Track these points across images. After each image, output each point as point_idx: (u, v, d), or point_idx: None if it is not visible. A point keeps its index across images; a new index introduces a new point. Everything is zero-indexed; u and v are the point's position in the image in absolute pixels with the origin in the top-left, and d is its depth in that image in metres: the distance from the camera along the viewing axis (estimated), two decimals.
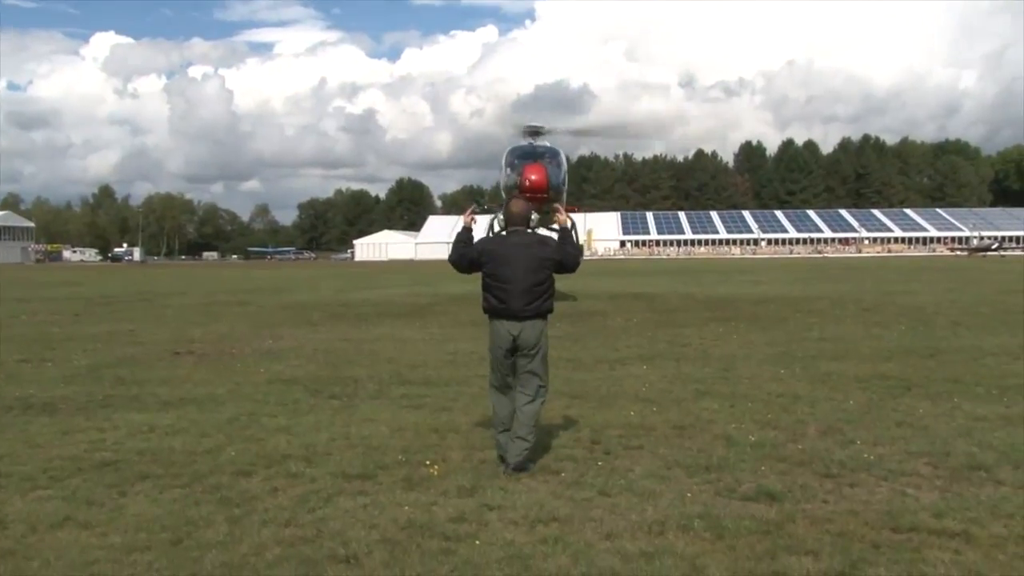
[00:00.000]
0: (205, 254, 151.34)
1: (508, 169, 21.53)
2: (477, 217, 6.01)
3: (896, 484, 5.06)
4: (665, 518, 4.49)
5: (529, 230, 5.78)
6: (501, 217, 5.27)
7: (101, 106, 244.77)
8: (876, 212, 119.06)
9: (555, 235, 5.89)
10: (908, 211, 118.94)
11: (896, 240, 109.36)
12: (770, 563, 3.89)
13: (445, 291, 25.77)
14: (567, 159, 23.00)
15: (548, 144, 22.17)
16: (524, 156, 21.24)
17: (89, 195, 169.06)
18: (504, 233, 5.77)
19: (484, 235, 5.83)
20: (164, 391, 8.70)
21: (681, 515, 4.52)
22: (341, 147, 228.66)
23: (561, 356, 11.00)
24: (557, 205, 6.52)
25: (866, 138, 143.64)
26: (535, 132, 22.35)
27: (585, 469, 5.47)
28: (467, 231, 5.87)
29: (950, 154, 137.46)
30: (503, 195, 22.14)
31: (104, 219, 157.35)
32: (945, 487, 4.99)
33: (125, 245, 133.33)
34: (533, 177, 19.25)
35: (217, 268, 78.07)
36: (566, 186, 22.45)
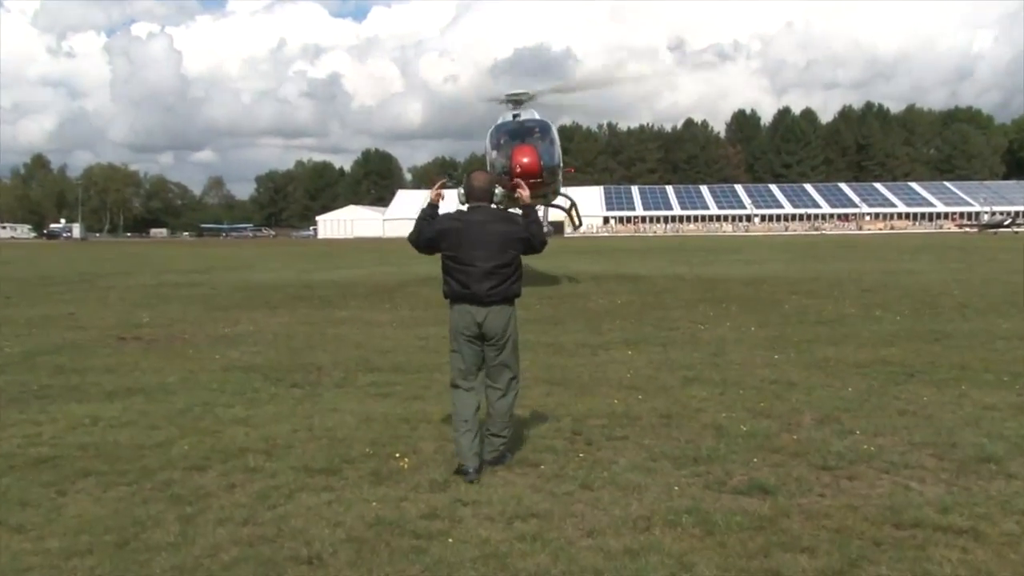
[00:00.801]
0: (153, 231, 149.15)
1: (495, 151, 20.63)
2: (447, 193, 5.90)
3: (898, 477, 5.12)
4: (651, 513, 4.53)
5: (494, 206, 5.65)
6: (462, 192, 5.22)
7: (32, 66, 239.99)
8: (878, 186, 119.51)
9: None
10: (913, 185, 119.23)
11: (900, 216, 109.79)
12: (763, 561, 3.94)
13: (416, 271, 25.69)
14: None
15: (537, 117, 21.34)
16: (512, 135, 20.33)
17: (20, 165, 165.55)
18: (465, 209, 5.61)
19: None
20: (108, 380, 8.61)
21: (668, 510, 4.56)
22: (303, 115, 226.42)
23: (540, 340, 11.03)
24: (518, 180, 6.34)
25: (868, 106, 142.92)
26: (517, 101, 21.48)
27: (566, 461, 5.50)
28: (433, 208, 5.74)
29: (960, 122, 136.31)
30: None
31: (38, 192, 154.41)
32: (951, 480, 5.05)
33: (63, 221, 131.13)
34: (524, 160, 18.53)
35: (166, 246, 77.18)
36: (561, 165, 21.85)
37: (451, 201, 5.69)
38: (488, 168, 20.65)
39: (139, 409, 7.23)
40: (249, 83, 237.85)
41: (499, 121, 21.39)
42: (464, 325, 5.41)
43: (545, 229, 7.44)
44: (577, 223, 26.61)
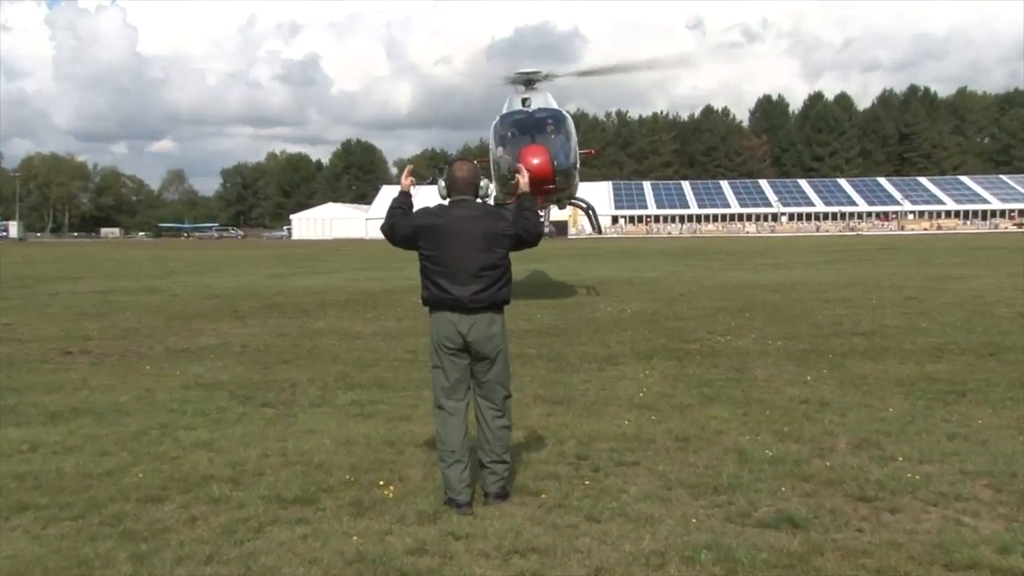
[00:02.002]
0: (104, 231, 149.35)
1: (500, 148, 19.55)
2: (429, 189, 5.86)
3: (949, 511, 5.09)
4: (665, 548, 4.51)
5: (479, 200, 5.57)
6: (442, 184, 5.18)
7: None
8: (923, 180, 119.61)
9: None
10: (964, 179, 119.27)
11: (948, 214, 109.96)
12: None
13: (402, 275, 25.70)
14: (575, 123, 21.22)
15: (550, 107, 20.30)
16: (521, 129, 19.24)
17: None
18: (446, 203, 5.52)
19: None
20: (51, 400, 8.58)
21: (685, 545, 4.55)
22: (276, 101, 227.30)
23: (541, 354, 11.03)
24: (519, 165, 6.26)
25: (913, 90, 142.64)
26: (529, 81, 20.43)
27: (569, 490, 5.49)
28: (406, 196, 5.69)
29: (1020, 107, 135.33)
30: (492, 178, 20.14)
31: None
32: (1011, 516, 5.01)
33: None
34: (535, 162, 17.33)
35: (119, 248, 77.09)
36: (578, 164, 20.75)
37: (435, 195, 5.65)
38: (492, 168, 20.16)
39: (86, 433, 7.19)
40: (215, 64, 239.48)
41: (505, 109, 20.64)
42: (446, 336, 5.33)
43: (547, 230, 7.37)
44: (596, 229, 25.80)
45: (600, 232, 28.27)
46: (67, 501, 5.43)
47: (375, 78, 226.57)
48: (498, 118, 20.43)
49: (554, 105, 20.62)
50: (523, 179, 5.79)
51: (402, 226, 5.52)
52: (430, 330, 5.45)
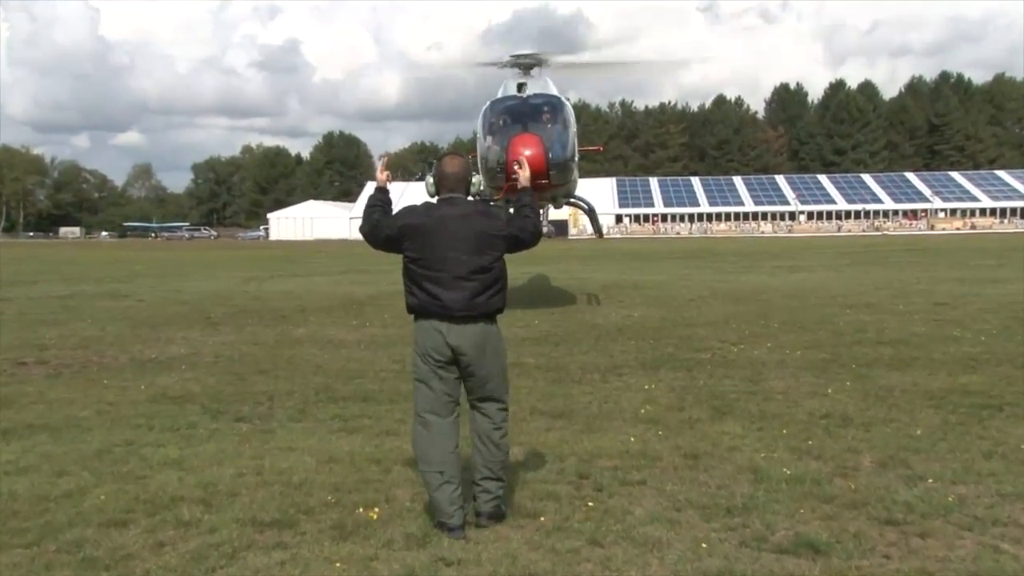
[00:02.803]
0: (63, 230, 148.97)
1: (488, 137, 18.61)
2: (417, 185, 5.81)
3: (985, 536, 5.08)
4: (674, 575, 4.51)
5: (470, 197, 5.48)
6: (430, 180, 5.07)
7: None
8: (956, 175, 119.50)
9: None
10: (1001, 173, 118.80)
11: (983, 212, 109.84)
12: None
13: (389, 279, 25.69)
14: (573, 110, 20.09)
15: (548, 92, 19.44)
16: (513, 116, 18.39)
17: None
18: (434, 201, 5.43)
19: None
20: (3, 416, 8.55)
21: (695, 572, 4.55)
22: (253, 89, 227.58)
23: (539, 364, 11.03)
24: (523, 159, 6.18)
25: (944, 76, 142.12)
26: (527, 66, 19.84)
27: (570, 511, 5.49)
28: (383, 192, 5.63)
29: None
30: (479, 172, 18.05)
31: None
32: None
33: None
34: (527, 153, 16.11)
35: (80, 249, 77.01)
36: (576, 157, 19.76)
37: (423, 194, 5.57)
38: (479, 162, 19.34)
39: (43, 451, 7.17)
40: (186, 49, 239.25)
41: (497, 95, 19.85)
42: (432, 346, 5.23)
43: (545, 229, 7.32)
44: (597, 233, 25.79)
45: (601, 235, 28.09)
46: (20, 526, 5.40)
47: (361, 65, 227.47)
48: (487, 104, 19.63)
49: (553, 91, 19.95)
50: (524, 173, 5.73)
51: (384, 226, 5.43)
52: (415, 340, 5.36)
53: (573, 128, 19.21)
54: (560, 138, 18.24)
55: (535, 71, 20.14)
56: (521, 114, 18.43)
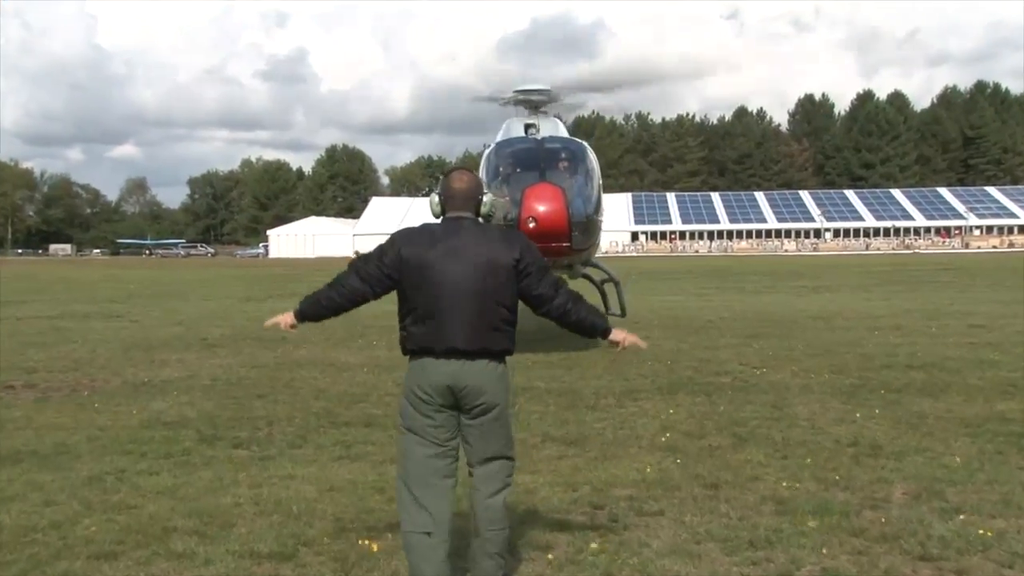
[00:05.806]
0: (53, 247, 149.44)
1: (496, 185, 15.80)
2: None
3: None
4: None
5: (480, 219, 4.82)
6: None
7: None
8: (992, 190, 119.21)
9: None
10: None
11: (1021, 229, 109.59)
12: None
13: (393, 298, 25.70)
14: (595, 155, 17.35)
15: (563, 135, 17.61)
16: (525, 163, 16.10)
17: None
18: (439, 223, 4.81)
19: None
20: None
21: None
22: (257, 101, 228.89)
23: (551, 388, 11.01)
24: (617, 337, 5.15)
25: (980, 86, 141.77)
26: (535, 105, 18.04)
27: (583, 544, 5.46)
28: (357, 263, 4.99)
29: None
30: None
31: None
32: None
33: None
34: (541, 209, 14.42)
35: (71, 267, 77.28)
36: (602, 212, 17.10)
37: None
38: (486, 211, 16.29)
39: (29, 479, 7.17)
40: (186, 58, 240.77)
41: (501, 136, 18.03)
42: (429, 386, 4.54)
43: None
44: (622, 311, 17.73)
45: (624, 315, 18.23)
46: (5, 559, 5.40)
47: (369, 76, 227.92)
48: (492, 147, 17.61)
49: (565, 133, 18.07)
50: (628, 340, 5.08)
51: (371, 265, 4.81)
52: (406, 382, 4.67)
53: (597, 178, 16.84)
54: (582, 192, 15.82)
55: (545, 109, 18.44)
56: (536, 160, 15.99)
